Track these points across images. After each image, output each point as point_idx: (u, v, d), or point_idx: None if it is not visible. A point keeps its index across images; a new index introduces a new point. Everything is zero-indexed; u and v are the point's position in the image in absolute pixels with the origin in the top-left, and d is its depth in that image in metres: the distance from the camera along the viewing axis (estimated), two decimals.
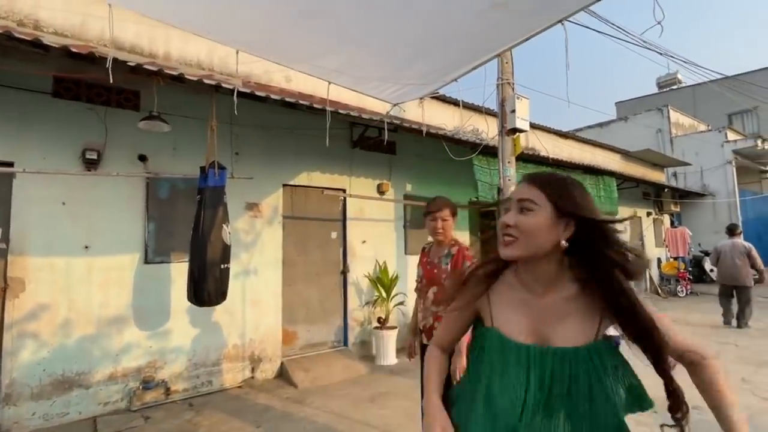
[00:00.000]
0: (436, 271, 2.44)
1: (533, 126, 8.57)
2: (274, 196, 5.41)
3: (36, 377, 3.81)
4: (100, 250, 4.21)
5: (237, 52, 3.06)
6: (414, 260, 6.62)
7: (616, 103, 25.22)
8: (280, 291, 5.35)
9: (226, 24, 2.26)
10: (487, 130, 6.25)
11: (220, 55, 5.22)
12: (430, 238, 2.64)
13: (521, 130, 5.10)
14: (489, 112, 6.53)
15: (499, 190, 5.33)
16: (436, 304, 2.42)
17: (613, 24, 7.04)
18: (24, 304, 3.81)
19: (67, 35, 4.27)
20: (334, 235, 6.02)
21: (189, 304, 4.00)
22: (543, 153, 8.66)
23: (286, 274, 5.44)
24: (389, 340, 5.62)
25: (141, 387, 4.28)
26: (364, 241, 6.22)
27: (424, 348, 2.54)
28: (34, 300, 3.85)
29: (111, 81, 2.87)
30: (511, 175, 5.06)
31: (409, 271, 6.63)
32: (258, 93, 3.93)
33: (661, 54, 8.42)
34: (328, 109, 3.89)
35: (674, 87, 24.05)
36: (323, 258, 5.90)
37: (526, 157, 6.91)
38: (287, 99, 4.13)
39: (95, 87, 4.22)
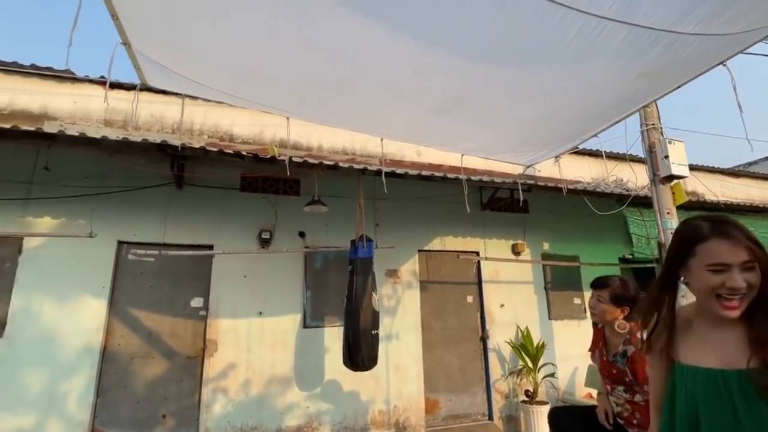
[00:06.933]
0: (615, 371, 2.10)
1: (690, 167, 7.50)
2: (410, 262, 5.67)
3: (222, 428, 4.43)
4: (270, 316, 4.89)
5: (381, 140, 3.52)
6: (560, 327, 6.12)
7: None
8: (420, 356, 5.38)
9: (382, 123, 2.65)
10: (636, 179, 5.69)
11: (360, 140, 5.98)
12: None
13: (680, 177, 4.53)
14: (635, 159, 5.98)
15: (660, 245, 4.68)
16: (637, 408, 2.03)
17: None
18: (216, 363, 4.57)
19: (250, 142, 5.45)
20: (470, 299, 5.94)
21: (339, 366, 4.31)
22: (709, 197, 7.41)
23: (425, 339, 5.48)
24: (541, 418, 5.07)
25: None
26: (502, 305, 5.97)
27: (617, 427, 2.20)
28: (224, 359, 4.60)
29: (288, 175, 3.54)
30: (673, 227, 4.44)
31: (555, 338, 6.06)
32: (398, 171, 4.36)
33: None
34: (463, 177, 4.07)
35: None
36: (460, 323, 5.81)
37: (687, 205, 5.99)
38: (423, 173, 4.46)
39: (268, 180, 5.19)
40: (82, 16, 1.90)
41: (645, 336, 1.21)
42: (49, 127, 4.29)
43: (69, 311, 4.23)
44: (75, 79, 5.18)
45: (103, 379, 4.25)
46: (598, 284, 2.16)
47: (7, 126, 3.57)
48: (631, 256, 5.92)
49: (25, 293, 4.14)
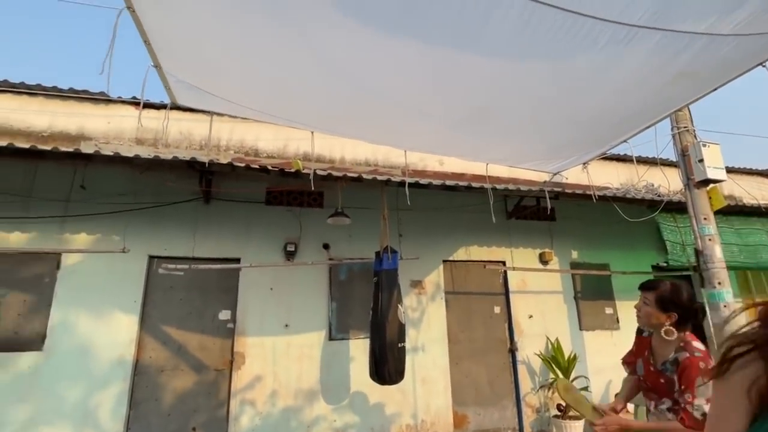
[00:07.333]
0: (662, 381, 1.90)
1: (726, 169, 7.17)
2: (435, 273, 5.60)
3: None
4: (296, 328, 4.91)
5: (405, 152, 3.51)
6: (591, 338, 5.91)
7: None
8: (447, 369, 5.28)
9: (407, 137, 2.65)
10: (668, 183, 5.48)
11: (382, 151, 6.00)
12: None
13: (716, 181, 4.33)
14: (666, 163, 5.77)
15: (697, 253, 4.47)
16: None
17: None
18: (244, 376, 4.61)
19: (275, 157, 5.54)
20: (497, 309, 5.81)
21: (365, 379, 4.27)
22: (748, 200, 7.06)
23: (451, 351, 5.38)
24: None
25: None
26: (530, 316, 5.82)
27: None
28: (251, 372, 4.64)
29: (312, 188, 3.57)
30: (711, 233, 4.24)
31: (587, 350, 5.85)
32: (422, 181, 4.33)
33: None
34: (488, 186, 4.01)
35: None
36: (487, 334, 5.68)
37: (726, 209, 5.72)
38: (447, 183, 4.43)
39: (293, 193, 5.25)
40: (116, 40, 1.99)
41: (719, 358, 0.93)
42: (86, 148, 4.49)
43: (103, 324, 4.36)
44: (109, 101, 5.41)
45: (136, 392, 4.35)
46: (645, 286, 2.02)
47: (48, 148, 3.75)
48: (665, 264, 5.69)
49: (62, 307, 4.30)
